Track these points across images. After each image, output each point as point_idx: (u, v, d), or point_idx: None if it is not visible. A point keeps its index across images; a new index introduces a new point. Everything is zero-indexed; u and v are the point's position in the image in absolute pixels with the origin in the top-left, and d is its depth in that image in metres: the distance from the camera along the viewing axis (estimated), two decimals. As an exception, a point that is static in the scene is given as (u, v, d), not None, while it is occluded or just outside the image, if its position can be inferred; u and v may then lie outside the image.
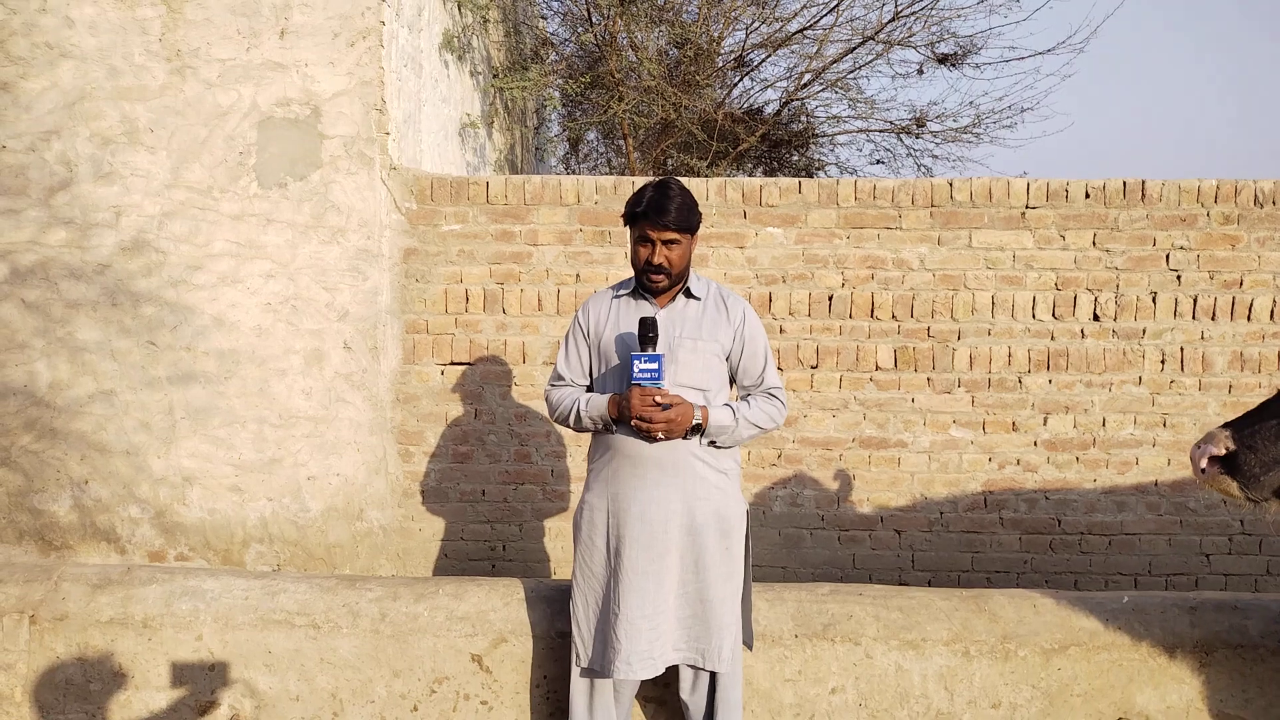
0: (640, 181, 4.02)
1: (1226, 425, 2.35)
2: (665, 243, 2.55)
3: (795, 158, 8.78)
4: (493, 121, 6.48)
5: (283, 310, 4.12)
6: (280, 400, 4.14)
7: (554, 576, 4.25)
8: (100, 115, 4.07)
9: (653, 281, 2.59)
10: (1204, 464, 2.31)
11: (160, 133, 4.08)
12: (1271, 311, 4.06)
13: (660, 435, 2.50)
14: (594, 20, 7.22)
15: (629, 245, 2.66)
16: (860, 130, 8.42)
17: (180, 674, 2.87)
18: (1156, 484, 4.15)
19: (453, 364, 4.21)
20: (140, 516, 4.17)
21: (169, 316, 4.11)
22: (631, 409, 2.47)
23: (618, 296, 2.71)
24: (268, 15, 4.05)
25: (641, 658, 2.52)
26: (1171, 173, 4.11)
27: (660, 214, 2.51)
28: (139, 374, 4.12)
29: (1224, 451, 2.29)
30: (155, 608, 2.91)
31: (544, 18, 8.22)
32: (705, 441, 2.59)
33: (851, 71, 7.91)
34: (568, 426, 2.70)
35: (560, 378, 2.74)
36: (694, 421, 2.52)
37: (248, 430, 4.14)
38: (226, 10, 4.04)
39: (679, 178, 2.93)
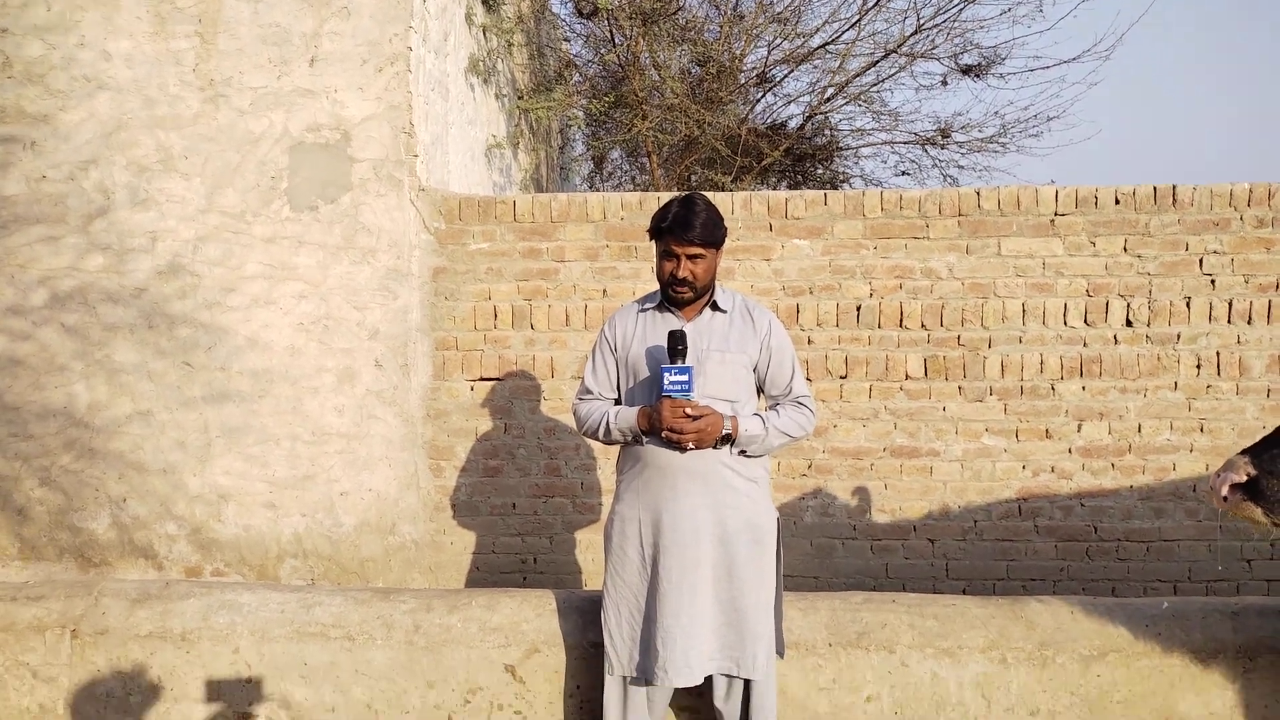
0: (665, 197, 4.05)
1: (1245, 451, 2.34)
2: (690, 257, 2.57)
3: (820, 171, 8.80)
4: (518, 142, 6.56)
5: (315, 330, 4.18)
6: (313, 418, 4.20)
7: (585, 588, 4.26)
8: (136, 144, 4.17)
9: (678, 294, 2.61)
10: (1225, 491, 2.29)
11: (194, 159, 4.18)
12: (1308, 313, 4.00)
13: (691, 445, 2.51)
14: (616, 41, 7.30)
15: (655, 259, 2.68)
16: (885, 142, 8.42)
17: (217, 686, 2.91)
18: (1195, 489, 4.08)
19: (482, 379, 4.25)
20: (177, 533, 4.23)
21: (204, 338, 4.19)
22: (662, 420, 2.48)
23: (644, 310, 2.73)
24: (298, 44, 4.14)
25: (678, 666, 2.52)
26: (1202, 178, 4.08)
27: (685, 229, 2.54)
28: (175, 394, 4.20)
29: (1245, 478, 2.27)
30: (193, 621, 2.95)
31: (567, 40, 8.32)
32: (735, 451, 2.60)
33: (875, 85, 7.93)
34: (596, 439, 2.72)
35: (588, 391, 2.76)
36: (724, 431, 2.53)
37: (281, 448, 4.20)
38: (258, 40, 4.14)
39: (704, 193, 2.95)
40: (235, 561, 4.24)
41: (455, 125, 4.96)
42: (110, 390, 4.20)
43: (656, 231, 2.61)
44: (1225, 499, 2.29)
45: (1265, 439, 2.35)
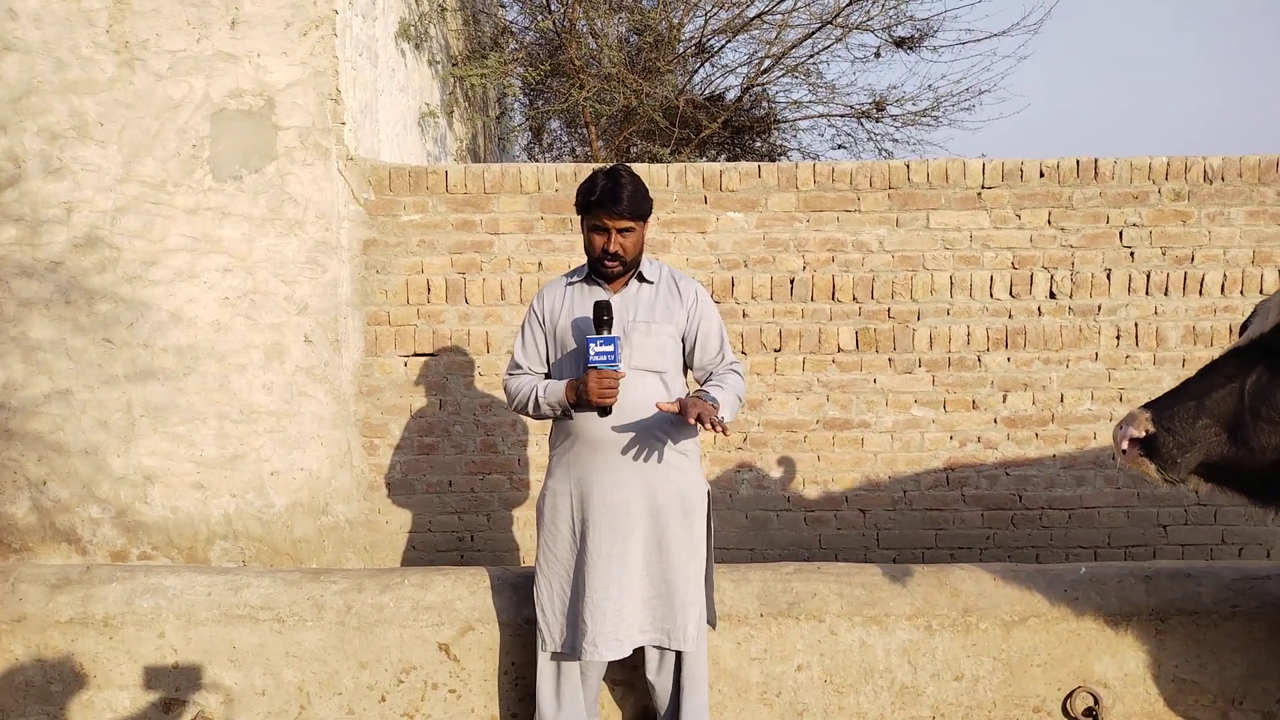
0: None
1: (1147, 406, 2.35)
2: (620, 231, 2.56)
3: (758, 144, 8.81)
4: (453, 111, 6.43)
5: (241, 304, 4.08)
6: (241, 395, 4.10)
7: (523, 565, 4.25)
8: (48, 109, 3.99)
9: (609, 268, 2.60)
10: (1124, 445, 2.31)
11: (110, 126, 4.01)
12: (1222, 286, 4.14)
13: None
14: (553, 7, 7.18)
15: (583, 234, 2.66)
16: (821, 115, 8.46)
17: (143, 672, 2.85)
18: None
19: (416, 355, 4.19)
20: (101, 516, 4.11)
21: (125, 313, 4.05)
22: (589, 392, 2.47)
23: (571, 284, 2.71)
24: (217, 5, 3.99)
25: (608, 640, 2.54)
26: (1128, 151, 4.18)
27: (614, 202, 2.52)
28: (95, 372, 4.06)
29: (1144, 434, 2.29)
30: (116, 606, 2.88)
31: (503, 5, 8.17)
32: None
33: (811, 56, 7.94)
34: (527, 414, 2.70)
35: (518, 366, 2.74)
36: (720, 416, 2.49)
37: (209, 426, 4.10)
38: (175, 0, 3.98)
39: (638, 164, 2.93)
40: (163, 544, 4.14)
41: (385, 92, 4.85)
42: (27, 369, 4.05)
43: (584, 206, 2.59)
44: (1124, 452, 2.31)
45: (1168, 394, 2.37)
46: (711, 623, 2.75)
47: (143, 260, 4.04)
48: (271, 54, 4.02)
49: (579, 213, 2.63)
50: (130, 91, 4.00)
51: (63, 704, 2.86)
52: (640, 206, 2.57)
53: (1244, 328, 2.44)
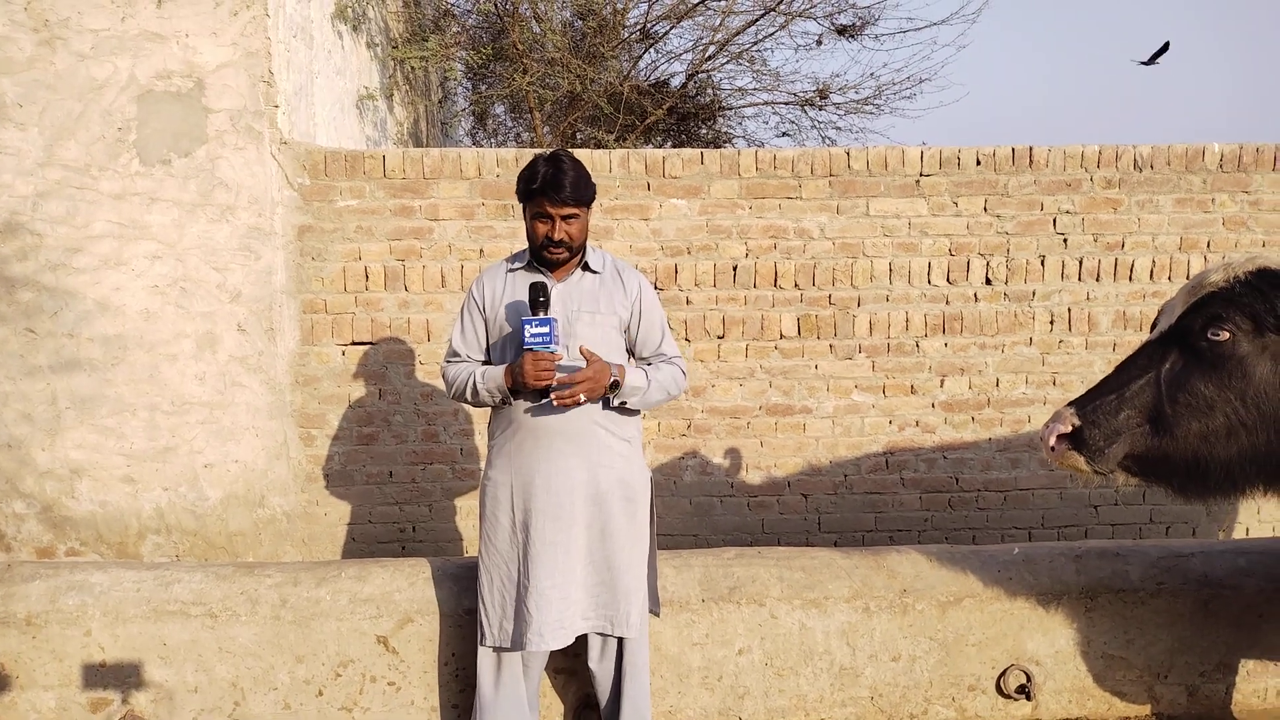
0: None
1: (1072, 403, 2.41)
2: (565, 218, 2.53)
3: (703, 131, 8.81)
4: (393, 95, 6.32)
5: (171, 292, 3.96)
6: (172, 386, 3.99)
7: (465, 555, 4.22)
8: (-38, 89, 3.83)
9: (554, 255, 2.57)
10: (1053, 442, 2.35)
11: (30, 108, 3.86)
12: (1151, 272, 4.25)
13: (582, 398, 2.46)
14: (495, -10, 7.08)
15: (525, 221, 2.62)
16: (765, 103, 8.49)
17: (69, 672, 2.76)
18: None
19: (354, 344, 4.12)
20: (26, 512, 3.98)
21: (48, 302, 3.91)
22: (524, 374, 2.44)
23: (513, 270, 2.68)
24: (143, -17, 3.85)
25: (553, 628, 2.52)
26: (1062, 140, 4.26)
27: (557, 189, 2.49)
28: (18, 363, 3.92)
29: (1070, 428, 2.34)
30: (39, 605, 2.78)
31: (444, -13, 8.02)
32: (617, 401, 2.57)
33: (755, 44, 7.95)
34: (466, 402, 2.66)
35: (456, 354, 2.70)
36: (611, 378, 2.50)
37: (138, 418, 3.98)
38: (97, -23, 3.83)
39: (582, 150, 2.91)
40: (92, 540, 4.02)
41: (322, 75, 4.74)
42: (-58, 359, 3.89)
43: (526, 194, 2.56)
44: (1053, 449, 2.36)
45: (1091, 390, 2.44)
46: (655, 610, 2.75)
47: (67, 247, 3.90)
48: (201, 34, 3.90)
49: (520, 200, 2.60)
50: (51, 72, 3.86)
51: (-16, 706, 2.76)
52: (584, 193, 2.54)
53: (1153, 327, 2.50)
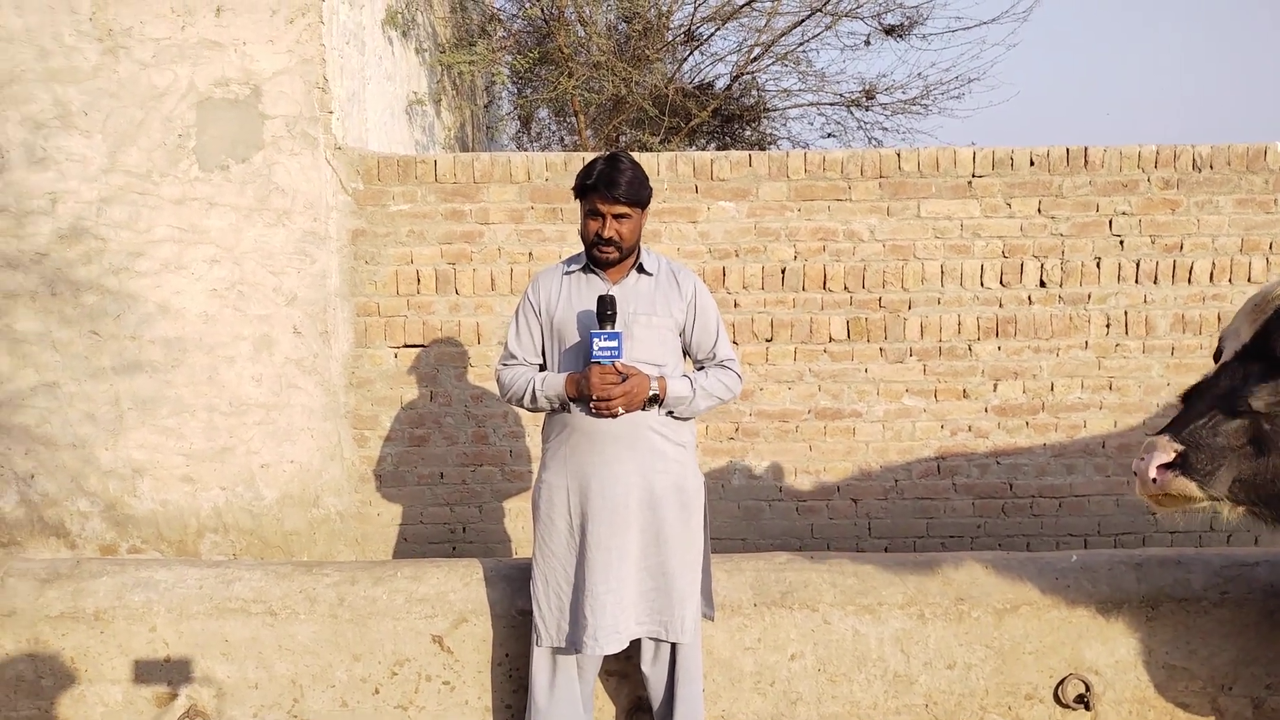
0: (591, 157, 3.99)
1: (1163, 431, 2.22)
2: (616, 216, 2.53)
3: (748, 133, 8.78)
4: (441, 99, 6.39)
5: (229, 296, 4.04)
6: (230, 388, 4.07)
7: (515, 556, 4.25)
8: (31, 98, 3.94)
9: (604, 254, 2.57)
10: (1153, 473, 2.14)
11: (95, 116, 3.97)
12: (1210, 274, 4.16)
13: (620, 410, 2.49)
14: (541, -5, 7.12)
15: (580, 219, 2.64)
16: (811, 104, 8.44)
17: (135, 666, 2.83)
18: (1104, 445, 4.24)
19: (406, 346, 4.17)
20: (90, 510, 4.09)
21: (111, 305, 4.02)
22: (591, 387, 2.46)
23: (569, 273, 2.69)
24: (202, -8, 3.94)
25: (607, 633, 2.53)
26: (1118, 140, 4.19)
27: (611, 187, 2.49)
28: (82, 365, 4.03)
29: (1173, 456, 2.14)
30: (107, 600, 2.86)
31: (490, -8, 8.09)
32: (663, 412, 2.59)
33: (800, 45, 7.91)
34: (521, 406, 2.68)
35: (512, 356, 2.72)
36: (650, 393, 2.52)
37: (197, 419, 4.07)
38: (159, -13, 3.93)
39: (630, 153, 2.91)
40: (153, 538, 4.11)
41: (373, 80, 4.81)
42: (12, 361, 4.01)
43: (581, 190, 2.57)
44: (1154, 480, 2.14)
45: (1176, 418, 2.27)
46: (708, 615, 2.75)
47: (129, 251, 4.00)
48: (257, 42, 3.98)
49: (576, 196, 2.61)
50: (114, 80, 3.96)
51: (54, 698, 2.84)
52: (638, 193, 2.54)
53: (1217, 355, 2.36)
